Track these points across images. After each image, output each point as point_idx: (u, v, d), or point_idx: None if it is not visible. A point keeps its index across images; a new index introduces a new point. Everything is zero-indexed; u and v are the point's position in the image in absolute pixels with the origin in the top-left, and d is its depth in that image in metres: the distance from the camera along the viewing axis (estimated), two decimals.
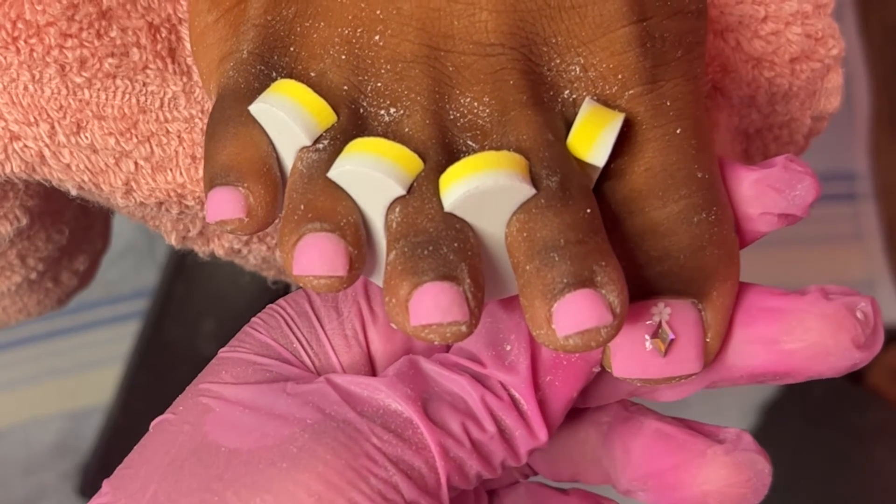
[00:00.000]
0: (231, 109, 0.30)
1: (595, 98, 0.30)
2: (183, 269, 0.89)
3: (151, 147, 0.34)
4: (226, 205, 0.29)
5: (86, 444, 0.91)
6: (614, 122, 0.29)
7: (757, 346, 0.30)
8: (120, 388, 0.90)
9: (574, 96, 0.30)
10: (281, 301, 0.32)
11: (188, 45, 0.34)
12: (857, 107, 0.90)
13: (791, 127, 0.39)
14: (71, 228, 0.43)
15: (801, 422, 0.92)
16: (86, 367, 0.93)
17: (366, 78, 0.30)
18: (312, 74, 0.30)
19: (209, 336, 0.88)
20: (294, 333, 0.31)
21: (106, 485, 0.30)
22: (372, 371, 0.31)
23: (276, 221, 0.30)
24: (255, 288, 0.84)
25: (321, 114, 0.29)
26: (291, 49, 0.30)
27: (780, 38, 0.35)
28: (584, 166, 0.29)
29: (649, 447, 0.31)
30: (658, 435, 0.31)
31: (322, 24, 0.30)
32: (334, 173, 0.29)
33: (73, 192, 0.36)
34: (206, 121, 0.34)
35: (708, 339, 0.29)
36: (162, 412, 0.31)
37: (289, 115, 0.29)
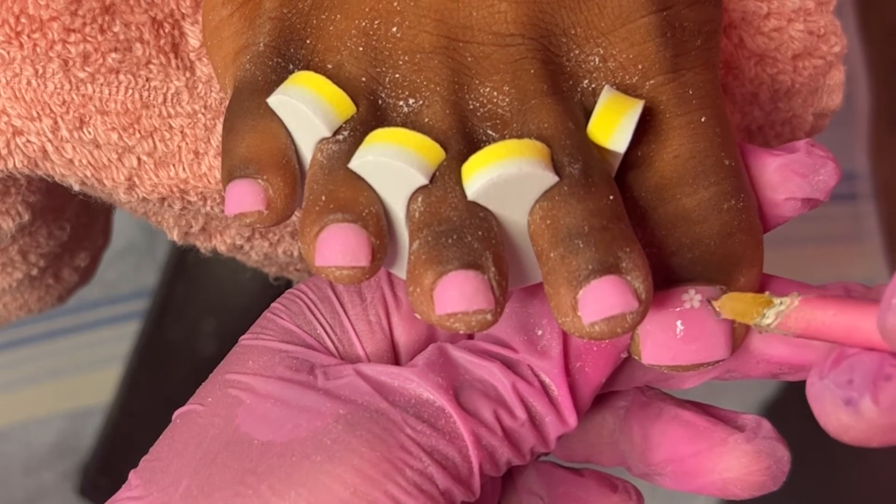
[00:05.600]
0: (249, 102, 0.30)
1: (615, 87, 0.30)
2: (183, 268, 0.89)
3: (154, 142, 0.34)
4: (245, 197, 0.29)
5: (86, 444, 0.91)
6: (634, 108, 0.29)
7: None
8: (120, 388, 0.90)
9: (593, 86, 0.30)
10: (301, 285, 0.32)
11: (191, 41, 0.34)
12: (856, 106, 0.90)
13: (793, 124, 0.39)
14: (72, 224, 0.43)
15: (801, 422, 0.92)
16: (86, 367, 0.92)
17: (384, 69, 0.30)
18: (329, 66, 0.30)
19: (209, 336, 0.87)
20: (317, 319, 0.31)
21: (134, 477, 0.29)
22: (395, 358, 0.31)
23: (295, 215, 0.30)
24: (255, 286, 0.84)
25: (340, 105, 0.29)
26: (308, 41, 0.30)
27: (783, 35, 0.36)
28: (604, 153, 0.29)
29: (669, 433, 0.31)
30: (677, 421, 0.31)
31: (338, 16, 0.30)
32: (356, 164, 0.29)
33: (76, 188, 0.36)
34: (208, 116, 0.34)
35: (735, 325, 0.29)
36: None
37: (308, 106, 0.29)
